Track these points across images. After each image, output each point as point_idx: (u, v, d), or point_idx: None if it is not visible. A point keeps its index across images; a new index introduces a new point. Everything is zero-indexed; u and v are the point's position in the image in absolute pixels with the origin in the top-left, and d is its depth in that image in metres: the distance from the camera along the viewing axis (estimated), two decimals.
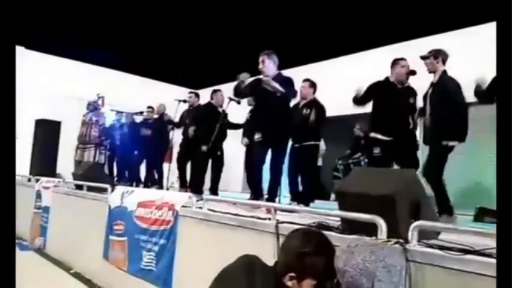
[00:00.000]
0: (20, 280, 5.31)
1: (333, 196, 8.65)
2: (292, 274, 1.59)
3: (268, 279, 1.59)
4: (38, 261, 6.49)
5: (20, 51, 10.60)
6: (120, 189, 5.30)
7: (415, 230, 2.15)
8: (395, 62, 4.50)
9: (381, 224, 2.21)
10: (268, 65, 4.57)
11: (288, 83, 4.52)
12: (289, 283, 1.59)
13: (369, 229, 2.25)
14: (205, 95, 7.23)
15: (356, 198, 2.31)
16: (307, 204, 4.74)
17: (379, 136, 4.30)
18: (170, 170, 7.24)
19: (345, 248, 1.76)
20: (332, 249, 1.71)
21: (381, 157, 4.17)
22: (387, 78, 4.53)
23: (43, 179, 7.68)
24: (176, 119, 7.29)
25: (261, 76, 4.62)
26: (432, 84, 4.26)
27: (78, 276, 5.54)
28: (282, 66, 4.77)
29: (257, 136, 4.48)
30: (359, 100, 4.57)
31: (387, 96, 4.39)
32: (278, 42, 6.65)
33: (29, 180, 8.50)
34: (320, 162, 7.16)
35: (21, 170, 9.27)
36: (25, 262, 6.43)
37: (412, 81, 4.56)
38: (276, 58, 4.61)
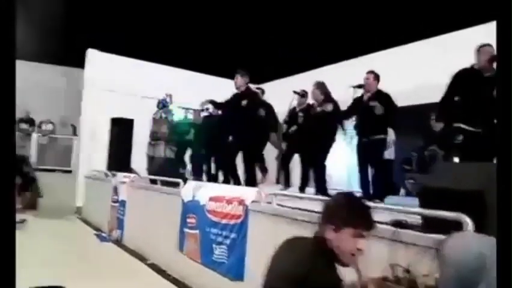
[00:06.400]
0: (99, 269, 5.71)
1: (402, 191, 8.33)
2: (332, 226, 1.76)
3: (309, 242, 1.81)
4: (116, 252, 6.89)
5: (95, 53, 11.33)
6: (192, 183, 5.48)
7: None
8: (480, 49, 4.17)
9: (468, 222, 2.09)
10: (372, 82, 5.19)
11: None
12: (329, 236, 1.76)
13: (453, 227, 2.14)
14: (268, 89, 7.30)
15: (439, 195, 2.19)
16: (382, 200, 4.59)
17: (465, 127, 4.01)
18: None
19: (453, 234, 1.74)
20: (365, 205, 1.89)
21: (463, 146, 3.89)
22: (473, 67, 4.23)
23: (119, 174, 8.14)
24: None
25: None
26: None
27: (154, 267, 5.81)
28: (346, 55, 4.79)
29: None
30: (448, 94, 4.28)
31: (475, 85, 4.09)
32: (342, 31, 6.52)
33: (106, 175, 9.06)
34: (391, 156, 6.89)
35: (99, 165, 9.94)
36: (104, 253, 6.92)
37: None
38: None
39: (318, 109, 5.75)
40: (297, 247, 1.80)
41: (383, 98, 5.09)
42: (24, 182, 10.20)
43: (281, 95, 6.67)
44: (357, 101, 5.31)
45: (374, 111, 5.00)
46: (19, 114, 11.33)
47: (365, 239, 1.77)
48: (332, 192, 5.53)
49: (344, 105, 5.50)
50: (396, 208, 2.68)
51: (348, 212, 1.76)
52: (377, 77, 5.25)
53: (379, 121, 5.02)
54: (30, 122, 11.41)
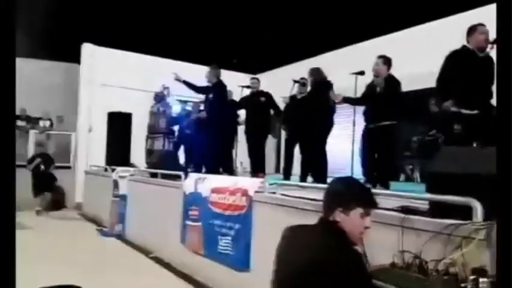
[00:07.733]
0: (104, 264, 5.69)
1: (402, 177, 8.34)
2: (340, 208, 1.83)
3: (316, 227, 1.88)
4: (119, 246, 6.90)
5: (90, 48, 11.21)
6: (193, 176, 5.46)
7: None
8: (473, 29, 4.17)
9: (477, 206, 2.09)
10: (382, 67, 5.04)
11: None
12: (338, 218, 1.83)
13: (462, 212, 2.13)
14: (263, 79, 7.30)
15: (448, 180, 2.18)
16: (387, 187, 4.57)
17: (462, 110, 3.99)
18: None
19: None
20: (365, 186, 2.06)
21: (462, 134, 3.88)
22: (464, 47, 4.21)
23: (119, 168, 8.08)
24: None
25: None
26: None
27: (157, 260, 5.81)
28: (353, 39, 4.76)
29: None
30: (442, 80, 4.24)
31: (468, 65, 4.07)
32: (346, 15, 6.46)
33: (106, 170, 9.02)
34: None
35: (97, 161, 9.89)
36: (107, 248, 6.91)
37: None
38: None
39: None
40: (305, 234, 1.85)
41: (393, 84, 4.97)
42: (46, 181, 10.07)
43: (281, 84, 6.66)
44: (368, 87, 5.22)
45: (382, 97, 4.92)
46: (16, 111, 11.28)
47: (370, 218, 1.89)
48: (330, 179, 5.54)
49: (346, 93, 5.44)
50: (406, 194, 2.66)
51: (358, 194, 1.88)
52: (387, 61, 5.09)
53: (387, 107, 4.93)
54: (27, 119, 11.33)
